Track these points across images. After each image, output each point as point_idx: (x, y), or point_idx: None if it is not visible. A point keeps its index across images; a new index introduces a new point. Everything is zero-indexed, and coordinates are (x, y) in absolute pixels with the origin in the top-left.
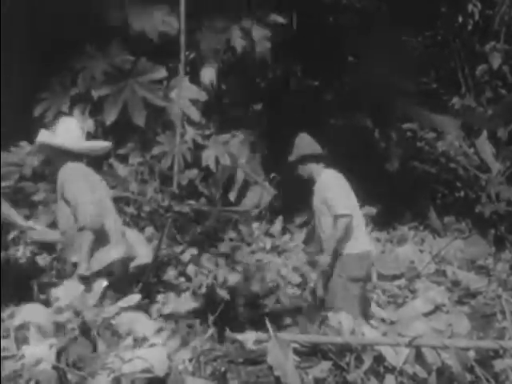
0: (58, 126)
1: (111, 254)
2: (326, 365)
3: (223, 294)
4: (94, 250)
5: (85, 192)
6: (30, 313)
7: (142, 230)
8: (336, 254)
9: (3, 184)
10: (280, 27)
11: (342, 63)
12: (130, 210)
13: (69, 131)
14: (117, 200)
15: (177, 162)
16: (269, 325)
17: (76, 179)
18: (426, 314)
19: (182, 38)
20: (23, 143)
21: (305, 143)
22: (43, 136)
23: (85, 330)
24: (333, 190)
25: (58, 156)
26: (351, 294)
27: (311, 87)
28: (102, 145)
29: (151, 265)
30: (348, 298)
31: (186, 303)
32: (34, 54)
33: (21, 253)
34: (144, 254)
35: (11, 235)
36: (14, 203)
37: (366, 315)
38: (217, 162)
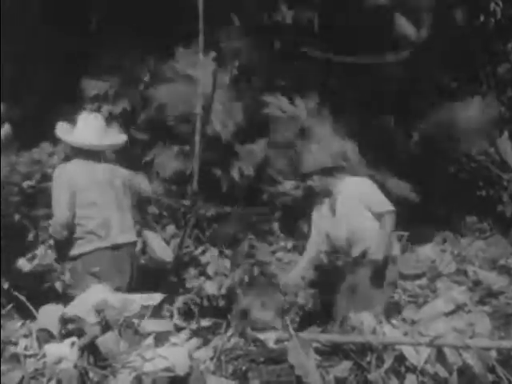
0: (78, 120)
1: (90, 245)
2: (346, 364)
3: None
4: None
5: (59, 196)
6: (48, 314)
7: (163, 228)
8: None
9: (26, 183)
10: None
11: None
12: (152, 208)
13: (86, 127)
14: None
15: (197, 161)
16: (290, 324)
17: (58, 182)
18: (447, 314)
19: (201, 38)
20: (45, 144)
21: (323, 155)
22: (59, 129)
23: (106, 328)
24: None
25: (72, 150)
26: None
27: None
28: (115, 142)
29: (172, 264)
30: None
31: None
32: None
33: (40, 252)
34: (164, 255)
35: (30, 236)
36: (36, 204)
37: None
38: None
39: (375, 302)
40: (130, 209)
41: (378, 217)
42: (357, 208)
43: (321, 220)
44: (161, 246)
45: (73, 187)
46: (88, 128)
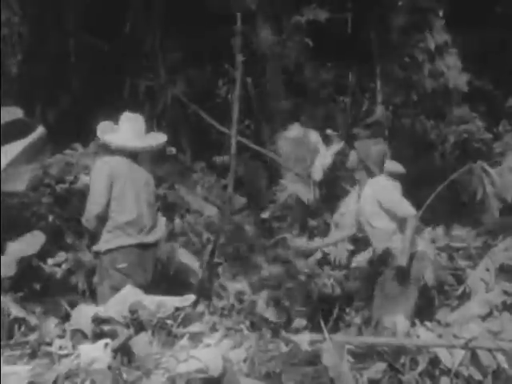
0: (120, 121)
1: (117, 241)
2: (380, 366)
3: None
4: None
5: (97, 185)
6: (82, 314)
7: (199, 235)
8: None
9: (60, 186)
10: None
11: (398, 63)
12: (190, 217)
13: (128, 128)
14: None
15: (232, 176)
16: (323, 326)
17: (96, 176)
18: (482, 316)
19: (238, 40)
20: (76, 145)
21: (369, 150)
22: (101, 129)
23: (140, 329)
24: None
25: (112, 150)
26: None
27: (366, 89)
28: (155, 143)
29: (204, 268)
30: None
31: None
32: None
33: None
34: (193, 264)
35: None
36: (69, 206)
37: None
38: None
39: (402, 300)
40: (156, 210)
41: (401, 220)
42: (374, 208)
43: (353, 204)
44: (189, 257)
45: (111, 178)
46: (130, 129)
